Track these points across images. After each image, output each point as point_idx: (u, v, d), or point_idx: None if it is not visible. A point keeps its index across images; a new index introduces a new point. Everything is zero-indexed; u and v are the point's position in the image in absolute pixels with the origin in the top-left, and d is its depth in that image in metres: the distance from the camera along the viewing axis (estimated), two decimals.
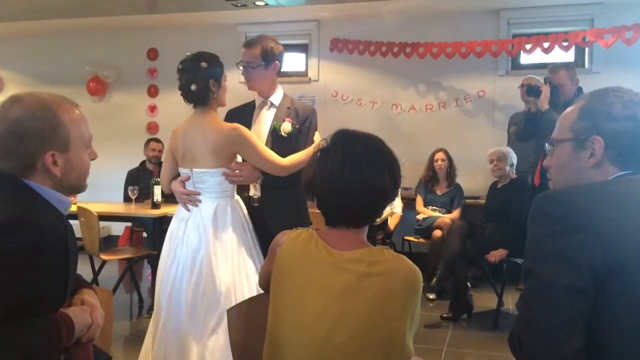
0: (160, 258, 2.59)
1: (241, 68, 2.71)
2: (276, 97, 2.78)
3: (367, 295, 1.40)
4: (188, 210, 2.56)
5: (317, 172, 1.51)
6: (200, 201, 2.53)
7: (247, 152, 2.51)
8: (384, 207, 1.53)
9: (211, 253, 2.42)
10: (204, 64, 2.48)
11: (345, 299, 1.40)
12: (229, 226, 2.48)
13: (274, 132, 2.68)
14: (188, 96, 2.55)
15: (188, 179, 2.56)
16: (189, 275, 2.44)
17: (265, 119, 2.75)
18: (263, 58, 2.67)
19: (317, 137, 2.76)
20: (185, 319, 2.40)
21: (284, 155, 2.58)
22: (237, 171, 2.52)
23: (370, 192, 1.46)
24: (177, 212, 2.62)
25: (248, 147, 2.49)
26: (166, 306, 2.47)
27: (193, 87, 2.49)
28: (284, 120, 2.67)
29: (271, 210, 2.60)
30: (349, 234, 1.50)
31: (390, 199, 1.52)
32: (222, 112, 2.72)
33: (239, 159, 2.58)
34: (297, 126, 2.67)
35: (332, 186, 1.47)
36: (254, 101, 2.84)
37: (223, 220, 2.48)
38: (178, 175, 2.64)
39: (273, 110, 2.76)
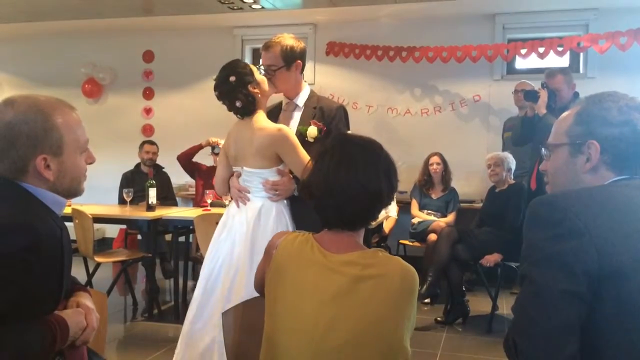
0: (207, 251, 2.60)
1: (262, 72, 2.58)
2: (301, 98, 2.67)
3: (362, 297, 1.40)
4: (238, 206, 2.56)
5: (314, 174, 1.51)
6: (249, 199, 2.53)
7: (287, 154, 2.45)
8: (379, 211, 1.53)
9: (248, 252, 2.42)
10: (232, 78, 2.44)
11: (340, 302, 1.40)
12: (271, 227, 2.44)
13: (300, 137, 2.55)
14: (240, 112, 2.52)
15: (240, 175, 2.57)
16: (226, 271, 2.45)
17: (290, 123, 2.64)
18: (284, 59, 2.57)
19: None
20: (217, 315, 2.38)
21: None
22: (274, 188, 2.49)
23: (367, 195, 1.47)
24: (229, 207, 2.64)
25: (289, 150, 2.43)
26: (199, 300, 2.50)
27: (239, 104, 2.47)
28: (309, 124, 2.57)
29: (302, 222, 2.51)
30: (344, 237, 1.51)
31: (386, 203, 1.52)
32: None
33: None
34: (324, 129, 2.55)
35: (329, 188, 1.47)
36: (281, 103, 2.75)
37: (266, 220, 2.46)
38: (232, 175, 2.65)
39: (299, 112, 2.66)
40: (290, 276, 1.48)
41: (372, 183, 1.46)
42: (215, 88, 2.51)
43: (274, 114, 2.70)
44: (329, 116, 2.59)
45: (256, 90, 2.47)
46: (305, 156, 2.42)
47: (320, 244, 1.50)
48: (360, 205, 1.48)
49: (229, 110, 2.53)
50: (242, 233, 2.47)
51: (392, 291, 1.40)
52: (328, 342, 1.38)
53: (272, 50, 2.58)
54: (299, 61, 2.62)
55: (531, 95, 4.19)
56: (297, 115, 2.66)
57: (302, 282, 1.46)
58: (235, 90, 2.44)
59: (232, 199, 2.65)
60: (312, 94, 2.69)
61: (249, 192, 2.53)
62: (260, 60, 2.65)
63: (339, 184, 1.46)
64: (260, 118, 2.51)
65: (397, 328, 1.40)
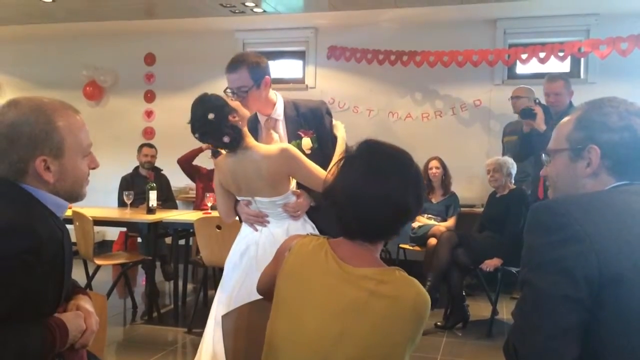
0: (226, 277, 2.47)
1: (231, 95, 2.44)
2: (278, 111, 2.57)
3: (372, 316, 1.36)
4: (256, 230, 2.46)
5: (339, 179, 1.45)
6: (269, 222, 2.45)
7: (298, 171, 2.36)
8: (404, 225, 1.46)
9: None
10: (211, 116, 2.25)
11: (349, 317, 1.37)
12: None
13: None
14: (229, 147, 2.35)
15: (249, 204, 2.46)
16: None
17: (276, 138, 2.56)
18: (252, 78, 2.44)
19: (340, 126, 2.60)
20: None
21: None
22: (296, 210, 2.43)
23: (393, 208, 1.40)
24: (242, 232, 2.52)
25: (299, 167, 2.35)
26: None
27: (227, 140, 2.29)
28: (300, 137, 2.51)
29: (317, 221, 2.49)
30: (362, 249, 1.45)
31: (411, 218, 1.46)
32: None
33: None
34: (315, 135, 2.52)
35: (354, 196, 1.40)
36: (256, 115, 2.63)
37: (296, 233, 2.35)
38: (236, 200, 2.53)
39: (281, 126, 2.58)
40: (301, 282, 1.45)
41: (400, 196, 1.40)
42: (195, 130, 2.31)
43: (251, 127, 2.54)
44: (315, 120, 2.56)
45: (237, 119, 2.31)
46: (314, 167, 2.37)
47: (335, 252, 1.45)
48: (384, 218, 1.41)
49: (215, 147, 2.39)
50: (274, 252, 2.34)
51: (403, 316, 1.36)
52: (332, 356, 1.36)
53: (239, 71, 2.45)
54: (267, 77, 2.50)
55: (528, 114, 4.21)
56: (281, 130, 2.58)
57: (312, 290, 1.42)
58: (219, 126, 2.27)
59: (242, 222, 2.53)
60: (286, 103, 2.60)
61: (268, 216, 2.44)
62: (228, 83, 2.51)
63: (366, 194, 1.39)
64: (255, 145, 2.39)
65: (400, 350, 1.37)
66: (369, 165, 1.42)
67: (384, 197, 1.39)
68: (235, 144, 2.33)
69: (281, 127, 2.59)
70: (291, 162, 2.33)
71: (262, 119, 2.63)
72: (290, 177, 2.42)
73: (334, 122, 2.66)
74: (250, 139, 2.39)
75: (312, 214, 2.50)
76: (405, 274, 1.43)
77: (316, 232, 2.44)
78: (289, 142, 2.53)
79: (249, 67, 2.44)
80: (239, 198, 2.49)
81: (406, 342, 1.38)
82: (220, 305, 2.44)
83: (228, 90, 2.46)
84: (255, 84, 2.46)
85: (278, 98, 2.61)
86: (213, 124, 2.26)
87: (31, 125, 1.39)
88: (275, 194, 2.39)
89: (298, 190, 2.46)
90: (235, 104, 2.36)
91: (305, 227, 2.46)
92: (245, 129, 2.38)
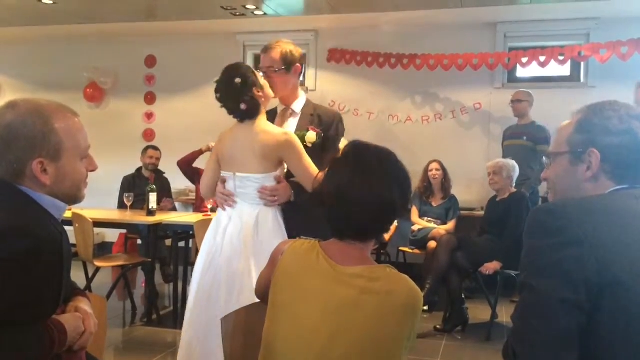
0: (196, 264, 2.52)
1: (261, 74, 2.56)
2: (298, 104, 2.67)
3: (364, 312, 1.37)
4: (224, 209, 2.50)
5: (327, 181, 1.49)
6: (235, 202, 2.47)
7: (292, 159, 2.42)
8: (392, 223, 1.50)
9: (251, 263, 2.33)
10: (238, 80, 2.38)
11: (342, 315, 1.38)
12: (271, 236, 2.36)
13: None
14: (243, 116, 2.45)
15: (225, 180, 2.50)
16: (226, 284, 2.35)
17: (287, 128, 2.61)
18: (283, 62, 2.58)
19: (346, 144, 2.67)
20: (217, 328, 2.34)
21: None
22: (273, 194, 2.43)
23: (379, 206, 1.43)
24: (216, 216, 2.57)
25: (294, 155, 2.40)
26: (197, 316, 2.38)
27: (244, 107, 2.40)
28: (307, 130, 2.57)
29: (297, 226, 2.48)
30: (353, 248, 1.48)
31: (399, 214, 1.49)
32: None
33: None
34: (322, 135, 2.58)
35: (341, 197, 1.44)
36: (276, 108, 2.74)
37: (265, 229, 2.40)
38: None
39: (295, 119, 2.66)
40: (294, 283, 1.47)
41: (385, 193, 1.43)
42: (218, 90, 2.45)
43: (269, 119, 2.64)
44: (328, 123, 2.62)
45: (260, 94, 2.43)
46: (310, 163, 2.40)
47: (326, 252, 1.47)
48: (372, 216, 1.44)
49: (230, 114, 2.48)
50: (240, 243, 2.38)
51: (395, 310, 1.38)
52: (327, 354, 1.37)
53: (272, 53, 2.59)
54: (298, 65, 2.63)
55: None
56: (293, 121, 2.65)
57: (305, 291, 1.44)
58: (241, 92, 2.38)
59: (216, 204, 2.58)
60: (308, 102, 2.70)
61: (235, 196, 2.46)
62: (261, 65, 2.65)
63: (352, 193, 1.43)
64: (264, 122, 2.47)
65: (396, 347, 1.38)
66: (354, 165, 1.46)
67: (369, 196, 1.42)
68: (250, 115, 2.44)
69: (295, 121, 2.66)
70: (290, 148, 2.40)
71: (280, 108, 2.72)
72: (281, 165, 2.45)
73: (343, 139, 2.72)
74: (263, 117, 2.49)
75: (287, 215, 2.50)
76: (396, 271, 1.45)
77: (284, 231, 2.44)
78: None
79: (282, 51, 2.59)
80: (222, 174, 2.53)
81: (401, 337, 1.39)
82: (191, 293, 2.47)
83: (261, 69, 2.59)
84: (285, 68, 2.59)
85: (302, 95, 2.72)
86: (237, 88, 2.39)
87: (28, 127, 1.39)
88: (257, 171, 2.42)
89: (281, 177, 2.48)
90: (264, 82, 2.49)
91: (276, 223, 2.45)
92: (264, 110, 2.49)
